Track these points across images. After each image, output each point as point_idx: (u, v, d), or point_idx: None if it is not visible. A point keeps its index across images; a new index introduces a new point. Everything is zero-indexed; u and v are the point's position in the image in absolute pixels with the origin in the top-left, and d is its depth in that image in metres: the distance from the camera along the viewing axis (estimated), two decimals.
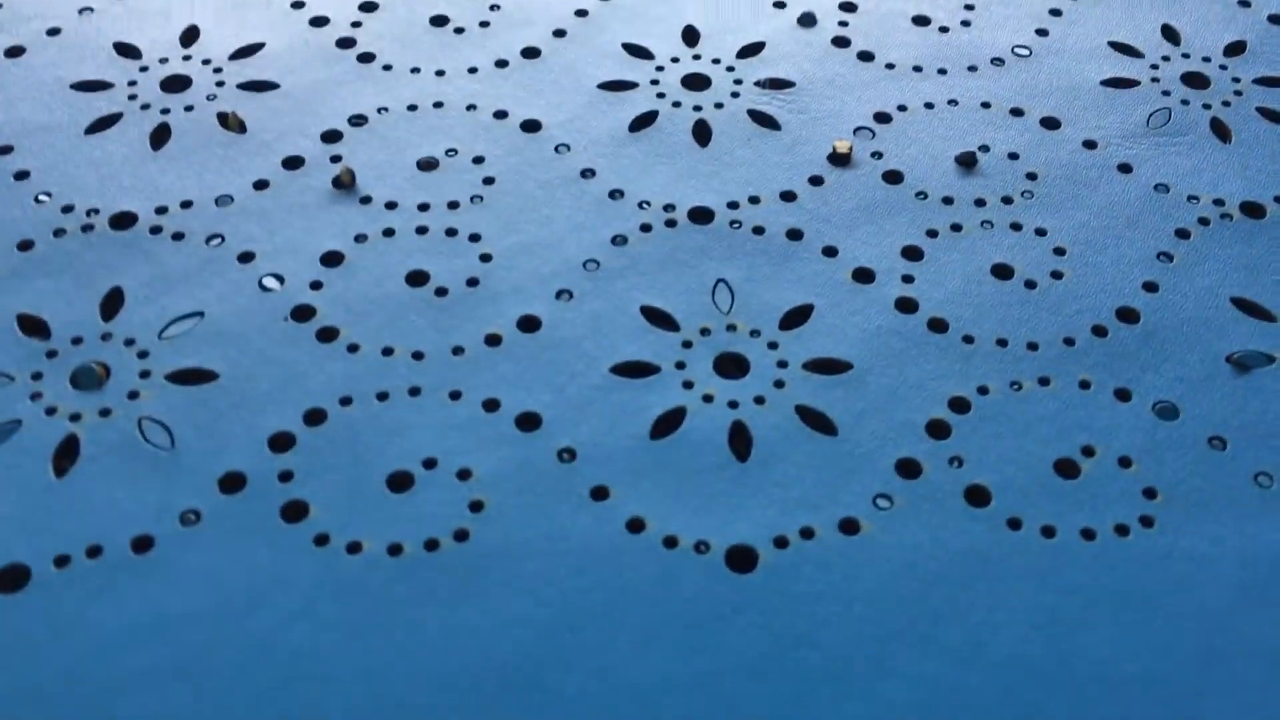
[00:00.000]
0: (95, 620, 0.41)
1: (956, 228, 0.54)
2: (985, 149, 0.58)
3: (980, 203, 0.55)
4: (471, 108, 0.59)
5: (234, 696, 0.39)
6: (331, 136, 0.58)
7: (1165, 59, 0.62)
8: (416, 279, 0.52)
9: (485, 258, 0.53)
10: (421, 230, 0.54)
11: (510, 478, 0.45)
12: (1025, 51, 0.63)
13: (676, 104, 0.60)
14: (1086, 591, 0.42)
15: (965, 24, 0.64)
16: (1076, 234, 0.54)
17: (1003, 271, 0.53)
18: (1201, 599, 0.42)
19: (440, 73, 0.61)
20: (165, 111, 0.59)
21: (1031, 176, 0.56)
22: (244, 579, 0.42)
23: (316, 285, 0.51)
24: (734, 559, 0.43)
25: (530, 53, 0.62)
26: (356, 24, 0.64)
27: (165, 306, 0.51)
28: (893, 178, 0.56)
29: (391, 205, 0.55)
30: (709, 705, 0.40)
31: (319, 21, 0.64)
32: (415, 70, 0.61)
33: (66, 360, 0.49)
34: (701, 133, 0.58)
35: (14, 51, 0.62)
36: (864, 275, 0.52)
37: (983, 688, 0.40)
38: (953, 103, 0.60)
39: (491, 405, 0.47)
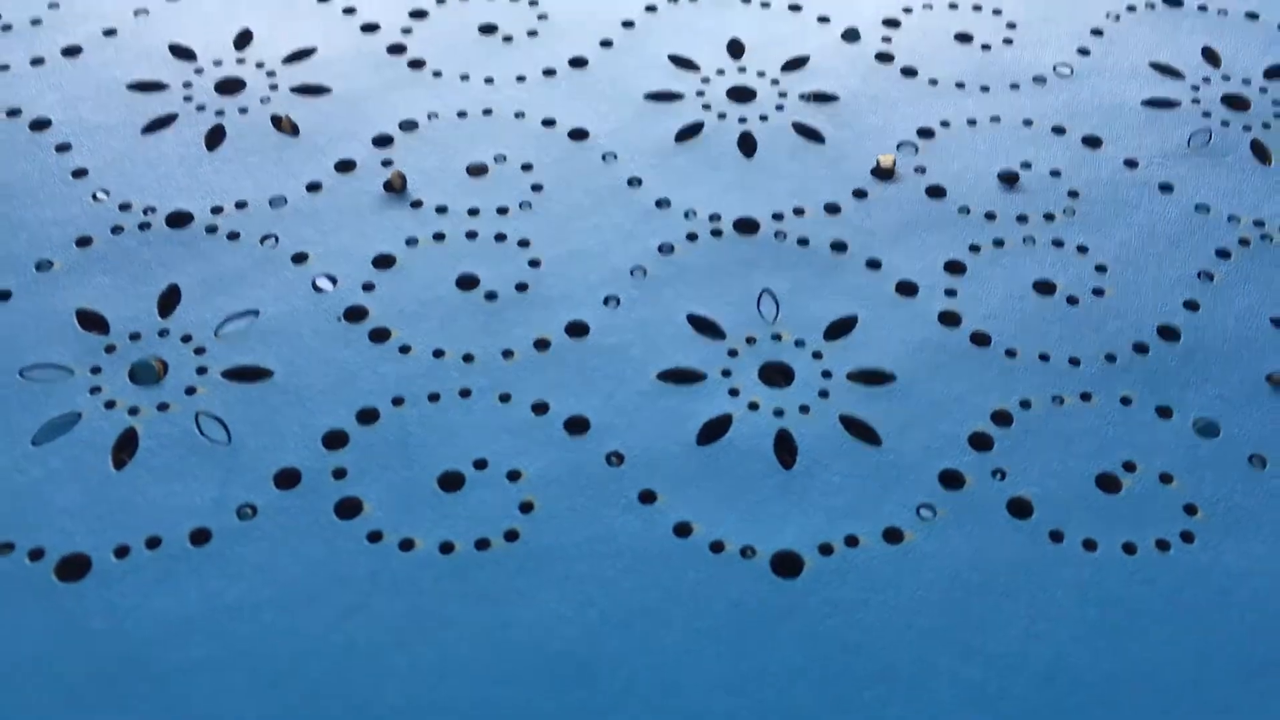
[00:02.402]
0: (155, 609, 0.42)
1: (999, 243, 0.55)
2: (1027, 166, 0.58)
3: (1022, 219, 0.56)
4: (520, 115, 0.60)
5: (290, 687, 0.40)
6: (382, 141, 0.59)
7: (1206, 80, 0.63)
8: (467, 283, 0.53)
9: (534, 263, 0.53)
10: (471, 235, 0.55)
11: (560, 480, 0.46)
12: (1067, 70, 0.63)
13: (722, 115, 0.61)
14: (1128, 604, 0.43)
15: (1007, 41, 0.65)
16: (1118, 252, 0.55)
17: (1045, 287, 0.53)
18: (1241, 613, 0.43)
19: (489, 80, 0.62)
20: (220, 113, 0.60)
21: (1073, 194, 0.57)
22: (300, 573, 0.43)
23: (369, 287, 0.52)
24: (780, 565, 0.44)
25: (578, 62, 0.63)
26: (407, 30, 0.65)
27: (220, 305, 0.52)
28: (936, 192, 0.57)
29: (442, 210, 0.56)
30: (754, 706, 0.40)
31: (370, 28, 0.65)
32: (464, 77, 0.62)
33: (125, 355, 0.50)
34: (747, 144, 0.59)
35: (71, 51, 0.63)
36: (907, 288, 0.53)
37: (1025, 695, 0.41)
38: (995, 119, 0.61)
39: (541, 408, 0.48)
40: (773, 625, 0.42)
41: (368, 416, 0.48)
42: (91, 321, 0.51)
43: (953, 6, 0.67)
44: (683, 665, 0.41)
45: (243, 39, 0.64)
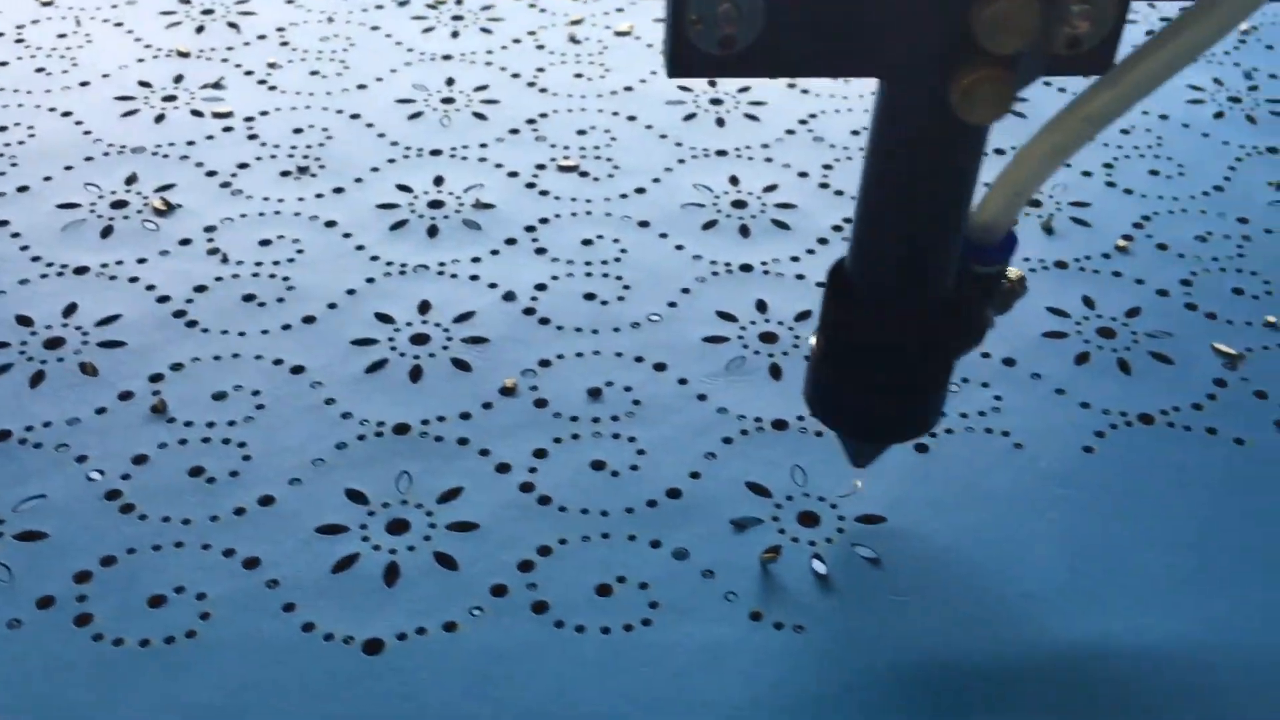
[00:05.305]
0: None
1: (575, 436, 0.80)
2: (610, 384, 0.84)
3: (596, 419, 0.81)
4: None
5: None
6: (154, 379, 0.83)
7: (752, 323, 0.89)
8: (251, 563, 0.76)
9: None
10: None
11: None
12: (657, 317, 0.90)
13: (402, 354, 0.86)
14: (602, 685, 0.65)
15: (620, 298, 0.91)
16: (657, 441, 0.79)
17: (599, 465, 0.78)
18: (711, 695, 0.65)
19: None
20: (43, 362, 0.84)
21: (636, 403, 0.82)
22: None
23: None
24: (367, 648, 0.66)
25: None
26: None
27: None
28: (540, 403, 0.82)
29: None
30: None
31: (164, 300, 0.90)
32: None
33: None
34: (416, 374, 0.84)
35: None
36: (503, 468, 0.77)
37: None
38: (596, 352, 0.86)
39: (252, 564, 0.71)
40: None
41: None
42: None
43: (588, 275, 0.93)
44: None
45: (69, 310, 0.89)
